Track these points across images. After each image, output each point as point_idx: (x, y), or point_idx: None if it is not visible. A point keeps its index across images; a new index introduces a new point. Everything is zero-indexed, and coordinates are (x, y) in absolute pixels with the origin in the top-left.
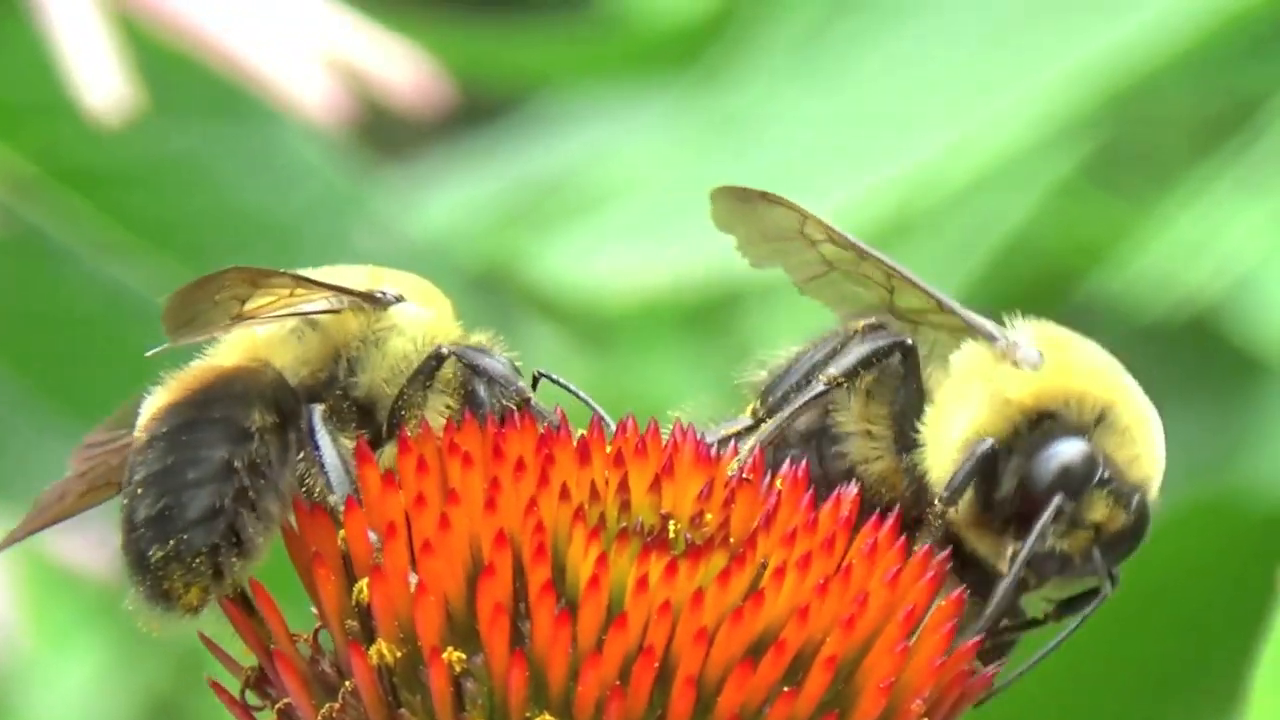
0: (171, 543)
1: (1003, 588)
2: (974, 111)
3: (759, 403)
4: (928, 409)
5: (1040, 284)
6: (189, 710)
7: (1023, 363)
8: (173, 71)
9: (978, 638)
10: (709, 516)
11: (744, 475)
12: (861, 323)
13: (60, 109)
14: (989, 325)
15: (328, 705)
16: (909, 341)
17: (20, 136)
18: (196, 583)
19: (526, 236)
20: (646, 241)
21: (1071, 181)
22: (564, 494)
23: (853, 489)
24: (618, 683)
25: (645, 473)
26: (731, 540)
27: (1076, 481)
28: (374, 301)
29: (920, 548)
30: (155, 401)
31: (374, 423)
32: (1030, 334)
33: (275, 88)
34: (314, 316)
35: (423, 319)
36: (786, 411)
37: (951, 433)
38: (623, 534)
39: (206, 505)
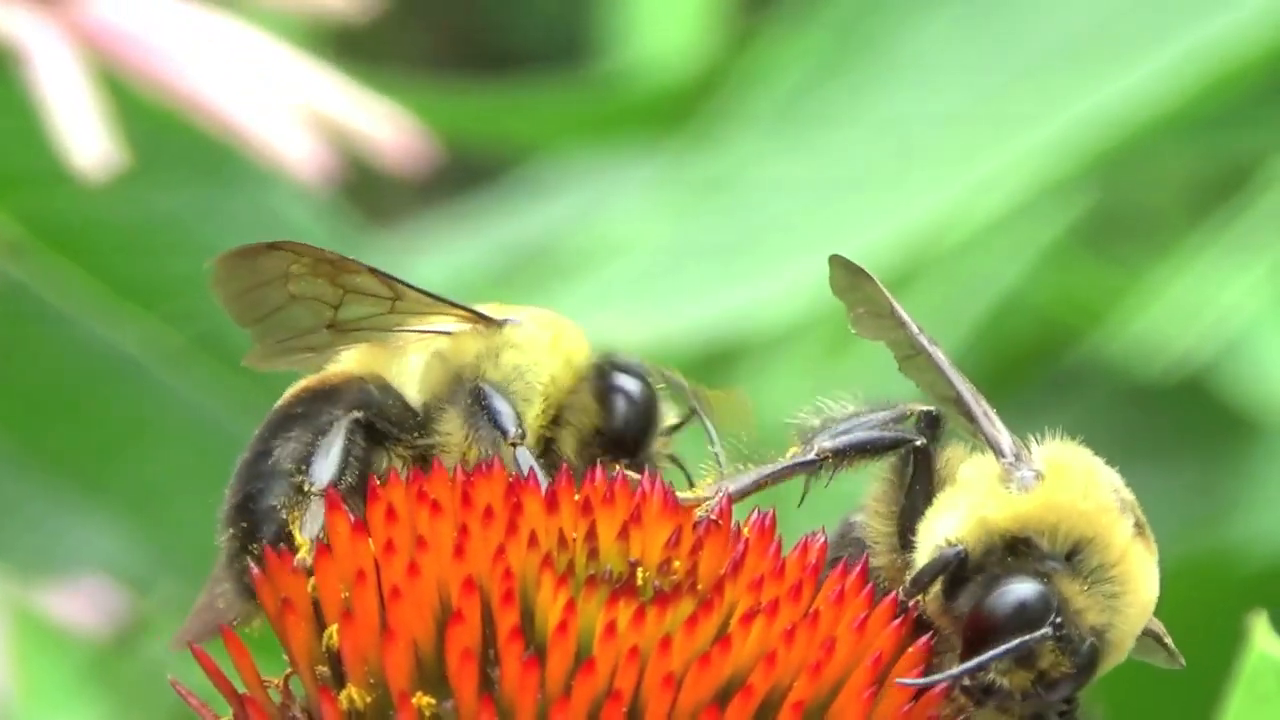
0: (241, 530)
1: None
2: (962, 174)
3: (799, 447)
4: (927, 512)
5: (1034, 346)
6: None
7: (1015, 485)
8: (159, 132)
9: (945, 683)
10: (677, 563)
11: (713, 520)
12: (918, 408)
13: (47, 170)
14: (1002, 439)
15: None
16: (918, 443)
17: (7, 198)
18: None
19: (515, 299)
20: (635, 303)
21: (1064, 243)
22: (532, 541)
23: (820, 537)
24: None
25: (613, 520)
26: (699, 587)
27: (1021, 626)
28: (491, 322)
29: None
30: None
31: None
32: (1044, 454)
33: (262, 149)
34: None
35: (541, 340)
36: (768, 472)
37: (935, 538)
38: (591, 581)
39: (276, 497)
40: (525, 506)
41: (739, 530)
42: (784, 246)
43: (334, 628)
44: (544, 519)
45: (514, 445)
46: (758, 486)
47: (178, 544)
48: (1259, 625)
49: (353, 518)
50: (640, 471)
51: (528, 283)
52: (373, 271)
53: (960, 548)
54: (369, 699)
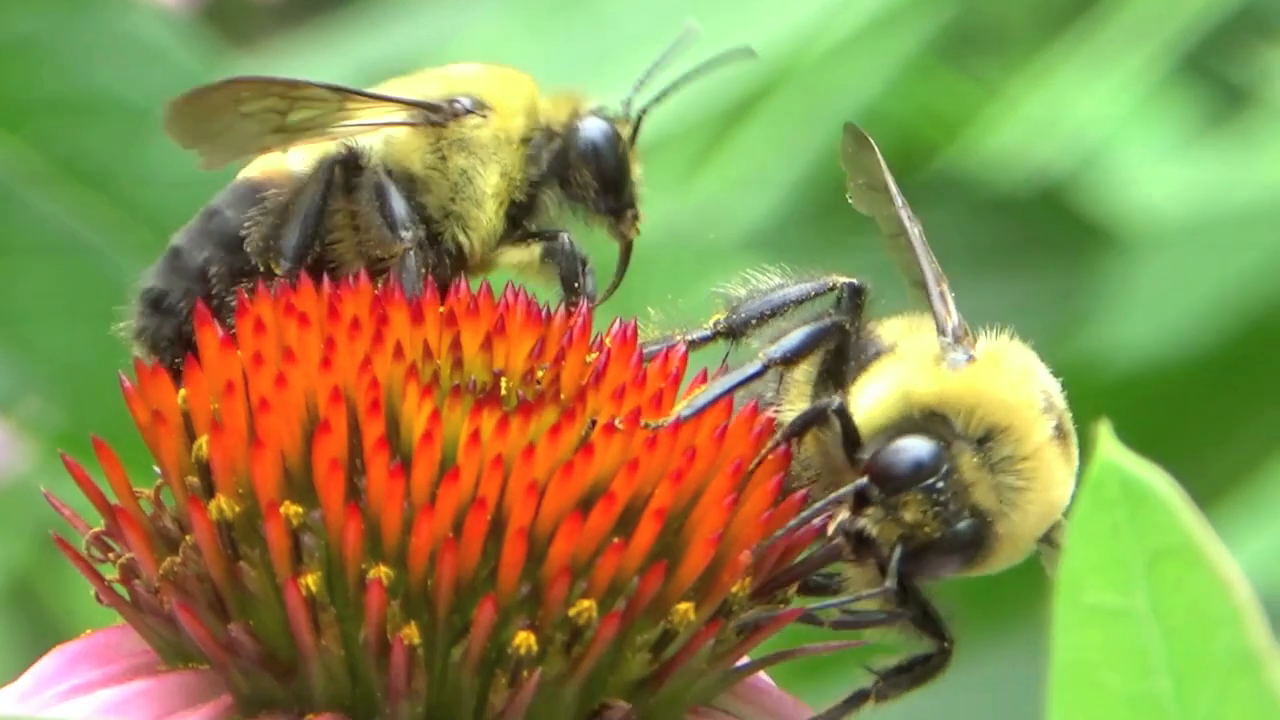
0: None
1: (790, 526)
2: None
3: (722, 314)
4: (860, 377)
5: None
6: (49, 588)
7: (947, 363)
8: None
9: (803, 491)
10: (540, 373)
11: (574, 330)
12: (840, 279)
13: None
14: (948, 321)
15: (169, 559)
16: (847, 327)
17: None
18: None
19: None
20: None
21: (922, 58)
22: (398, 352)
23: (680, 347)
24: (451, 535)
25: (478, 331)
26: (562, 396)
27: (899, 474)
28: (438, 112)
29: (746, 406)
30: None
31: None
32: (985, 344)
33: None
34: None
35: (488, 132)
36: (718, 390)
37: (860, 403)
38: (455, 391)
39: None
40: (391, 318)
41: (601, 340)
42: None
43: (204, 439)
44: (409, 330)
45: (405, 250)
46: (710, 405)
47: (41, 364)
48: (1103, 433)
49: (221, 331)
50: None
51: None
52: (322, 85)
53: (835, 401)
54: (238, 508)
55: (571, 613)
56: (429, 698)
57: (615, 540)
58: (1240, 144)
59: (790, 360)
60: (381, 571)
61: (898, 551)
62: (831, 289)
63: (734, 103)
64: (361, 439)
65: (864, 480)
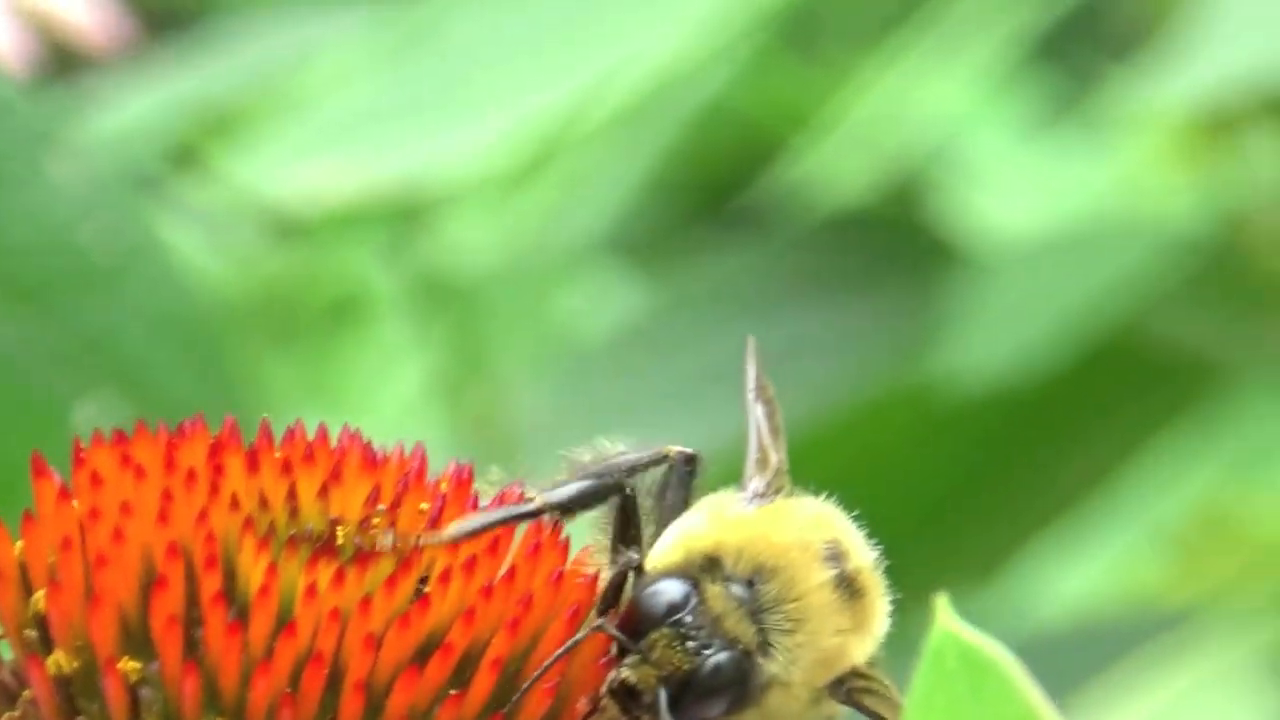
0: None
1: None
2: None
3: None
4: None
5: (739, 155)
6: None
7: (732, 513)
8: None
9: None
10: (376, 521)
11: (411, 475)
12: (674, 450)
13: None
14: (755, 481)
15: (7, 714)
16: (628, 491)
17: None
18: None
19: (216, 143)
20: (338, 151)
21: (769, 50)
22: (234, 504)
23: (515, 489)
24: (288, 689)
25: (314, 479)
26: (398, 545)
27: (643, 614)
28: None
29: (583, 548)
30: None
31: None
32: (789, 499)
33: None
34: None
35: None
36: (493, 519)
37: (653, 558)
38: (292, 541)
39: None
40: (227, 468)
41: (437, 485)
42: (480, 95)
43: (41, 593)
44: (245, 480)
45: None
46: (474, 533)
47: None
48: (940, 603)
49: (59, 483)
50: None
51: (230, 127)
52: None
53: (634, 558)
54: (76, 663)
55: None
56: None
57: (453, 691)
58: (1089, 139)
59: (565, 509)
60: None
61: (662, 695)
62: (666, 456)
63: (566, 138)
64: (199, 592)
65: (619, 629)
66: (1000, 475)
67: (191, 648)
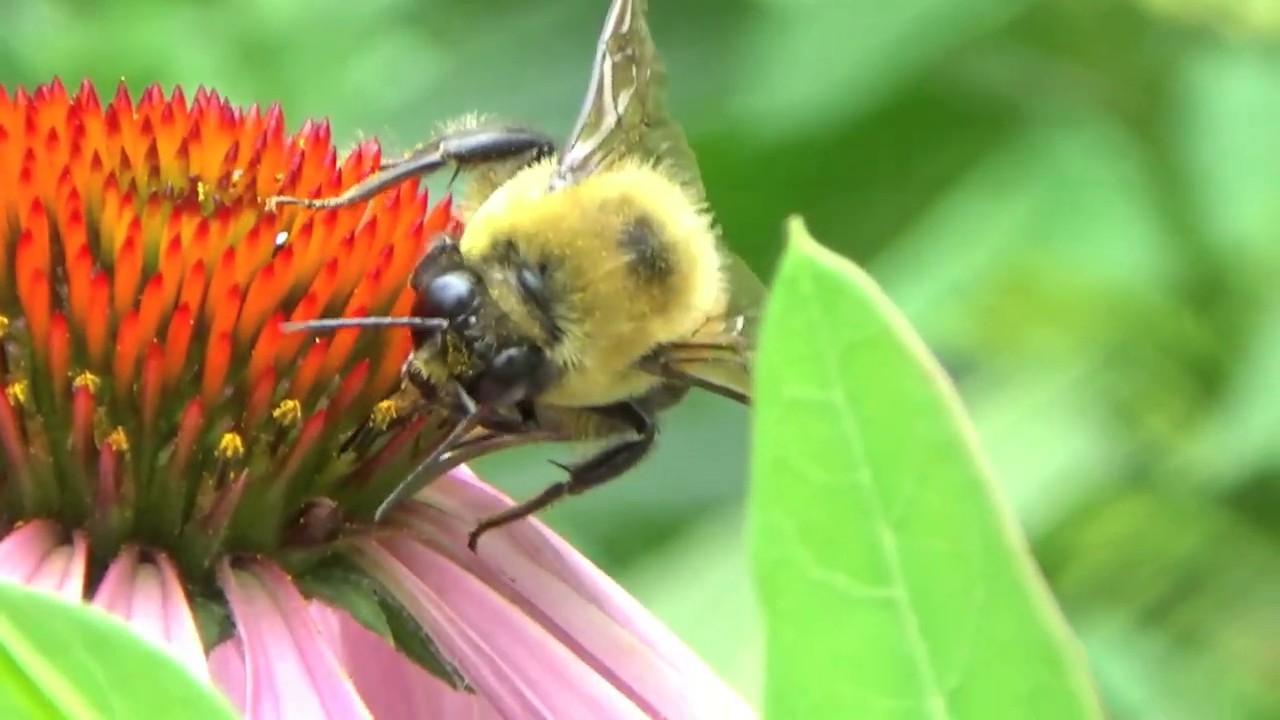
0: None
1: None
2: None
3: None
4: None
5: None
6: None
7: (535, 193)
8: None
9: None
10: (236, 177)
11: (268, 134)
12: (541, 139)
13: None
14: (571, 153)
15: None
16: (546, 145)
17: None
18: None
19: None
20: None
21: None
22: (96, 162)
23: (373, 146)
24: (155, 341)
25: (173, 138)
26: (259, 200)
27: (433, 309)
28: None
29: (443, 200)
30: None
31: None
32: (611, 176)
33: None
34: None
35: None
36: (389, 176)
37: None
38: (154, 198)
39: None
40: (87, 128)
41: (295, 143)
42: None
43: None
44: (106, 140)
45: None
46: (379, 189)
47: None
48: (795, 227)
49: None
50: None
51: None
52: None
53: (444, 241)
54: None
55: (276, 414)
56: (137, 502)
57: (317, 341)
58: None
59: (466, 157)
60: (88, 379)
61: (459, 390)
62: (534, 143)
63: None
64: (64, 249)
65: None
66: (807, 219)
67: (57, 303)
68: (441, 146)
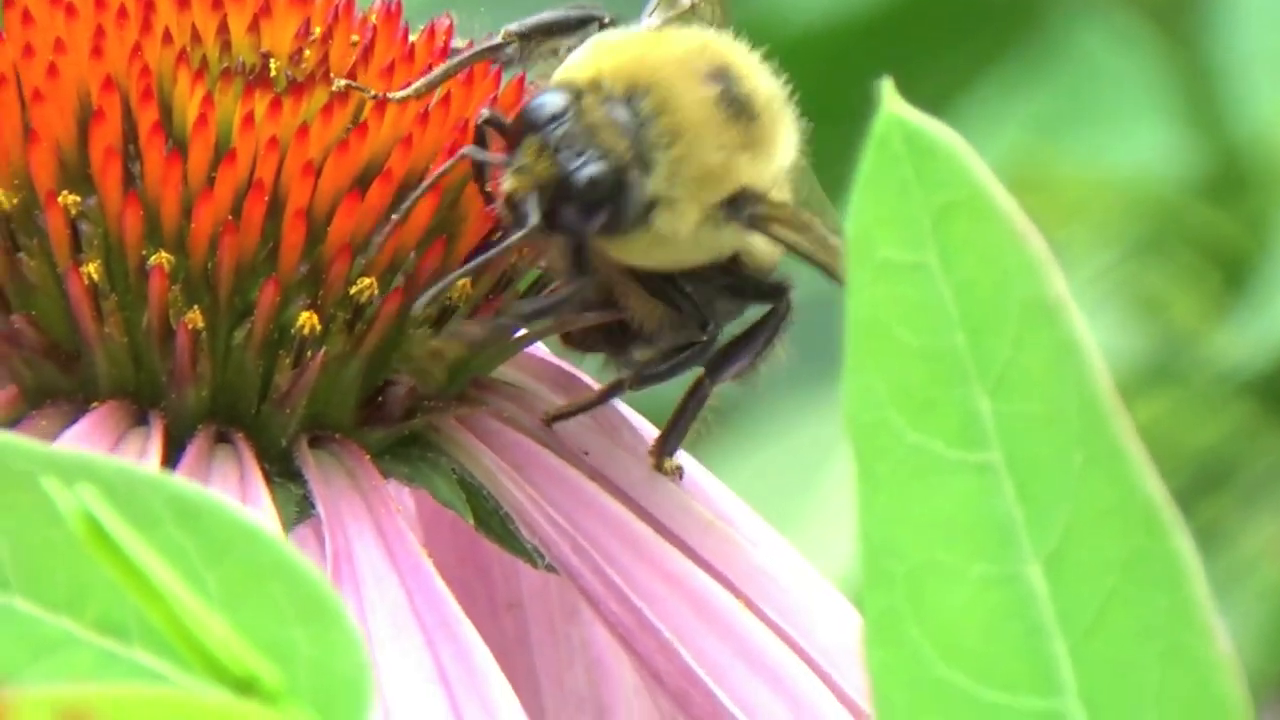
0: None
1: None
2: None
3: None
4: None
5: None
6: None
7: (615, 40)
8: None
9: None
10: (308, 53)
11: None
12: (602, 14)
13: None
14: (649, 13)
15: None
16: (606, 18)
17: None
18: None
19: None
20: None
21: None
22: (167, 38)
23: (445, 20)
24: (230, 218)
25: (244, 14)
26: (332, 76)
27: (519, 121)
28: None
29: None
30: None
31: None
32: (685, 28)
33: None
34: None
35: None
36: (453, 63)
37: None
38: (226, 74)
39: None
40: (158, 4)
41: (366, 18)
42: None
43: None
44: (177, 16)
45: None
46: (445, 77)
47: None
48: (887, 88)
49: None
50: None
51: None
52: None
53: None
54: (15, 200)
55: (352, 291)
56: (213, 381)
57: (394, 217)
58: None
59: (528, 34)
60: (162, 257)
61: (532, 199)
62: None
63: None
64: (136, 126)
65: (507, 143)
66: (823, 112)
67: (130, 181)
68: (504, 30)
